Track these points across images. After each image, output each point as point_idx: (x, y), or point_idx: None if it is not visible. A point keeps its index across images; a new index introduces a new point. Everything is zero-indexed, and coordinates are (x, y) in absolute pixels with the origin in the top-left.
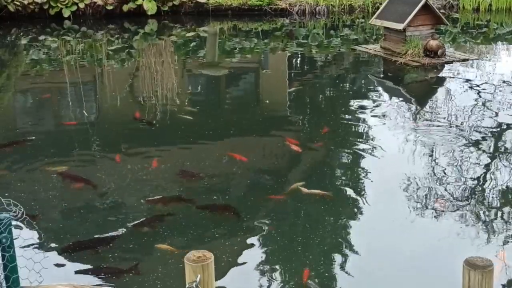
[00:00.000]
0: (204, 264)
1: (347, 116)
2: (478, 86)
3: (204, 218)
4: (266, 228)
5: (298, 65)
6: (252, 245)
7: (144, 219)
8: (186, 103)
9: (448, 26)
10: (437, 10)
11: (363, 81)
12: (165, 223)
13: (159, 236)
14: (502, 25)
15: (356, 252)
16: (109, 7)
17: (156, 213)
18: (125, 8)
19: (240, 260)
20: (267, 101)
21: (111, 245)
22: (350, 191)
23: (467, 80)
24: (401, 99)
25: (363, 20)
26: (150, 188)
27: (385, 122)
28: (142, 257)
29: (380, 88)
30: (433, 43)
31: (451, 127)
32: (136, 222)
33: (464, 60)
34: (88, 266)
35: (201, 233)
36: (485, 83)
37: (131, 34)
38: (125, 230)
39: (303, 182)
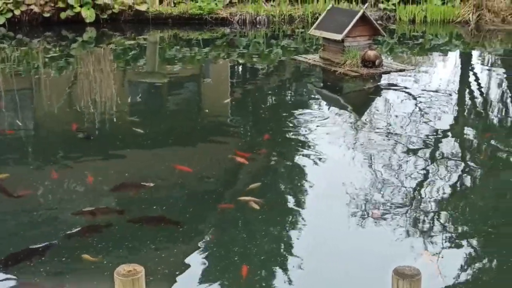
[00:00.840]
0: (134, 278)
1: (288, 124)
2: (414, 95)
3: (141, 230)
4: (206, 238)
5: (240, 74)
6: (189, 257)
7: (77, 230)
8: (126, 112)
9: (385, 37)
10: (375, 22)
11: (303, 90)
12: (100, 235)
13: (93, 248)
14: (437, 36)
15: (294, 260)
16: (46, 15)
17: (91, 225)
18: (63, 15)
19: (176, 271)
20: (207, 110)
21: (43, 258)
22: (290, 198)
23: (404, 90)
24: (340, 108)
25: (303, 30)
26: (86, 200)
27: (324, 130)
28: (71, 270)
29: (319, 97)
30: (371, 53)
31: (389, 135)
32: (69, 233)
33: (401, 70)
34: (19, 280)
35: (137, 245)
36: (422, 92)
37: (69, 42)
38: (58, 242)
39: (245, 190)
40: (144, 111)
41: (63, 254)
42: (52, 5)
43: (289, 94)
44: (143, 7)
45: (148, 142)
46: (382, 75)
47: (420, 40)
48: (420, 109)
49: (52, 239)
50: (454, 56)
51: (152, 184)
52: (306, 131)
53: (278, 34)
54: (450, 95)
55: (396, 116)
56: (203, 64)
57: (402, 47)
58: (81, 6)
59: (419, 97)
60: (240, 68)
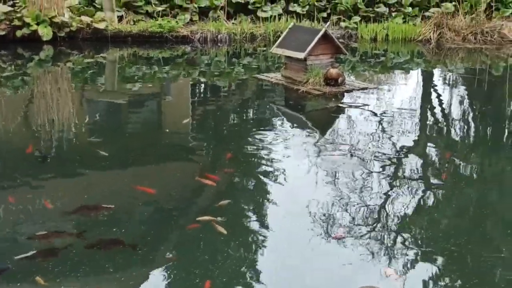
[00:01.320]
0: None
1: (251, 144)
2: (377, 113)
3: (98, 253)
4: (166, 260)
5: (201, 92)
6: (148, 280)
7: (33, 253)
8: (84, 132)
9: (347, 55)
10: (337, 40)
11: (265, 109)
12: (56, 258)
13: (49, 272)
14: (398, 54)
15: (257, 281)
16: (1, 33)
17: (47, 248)
18: (19, 33)
19: None
20: (167, 130)
21: None
22: (254, 219)
23: (367, 108)
24: (303, 127)
25: (264, 49)
26: (43, 223)
27: (287, 150)
28: None
29: (282, 116)
30: (333, 71)
31: (352, 153)
32: (24, 257)
33: (363, 88)
34: None
35: (94, 269)
36: (384, 110)
37: (25, 60)
38: (12, 266)
39: (208, 209)
40: (103, 130)
41: (17, 278)
42: (8, 23)
43: (251, 113)
44: (101, 25)
45: (108, 162)
46: (345, 93)
47: (382, 58)
48: (382, 127)
49: (6, 263)
50: (415, 74)
51: (112, 206)
52: (269, 150)
53: (239, 52)
54: (413, 113)
55: (359, 135)
56: (164, 83)
57: (364, 65)
58: (37, 24)
59: (382, 115)
60: (202, 86)
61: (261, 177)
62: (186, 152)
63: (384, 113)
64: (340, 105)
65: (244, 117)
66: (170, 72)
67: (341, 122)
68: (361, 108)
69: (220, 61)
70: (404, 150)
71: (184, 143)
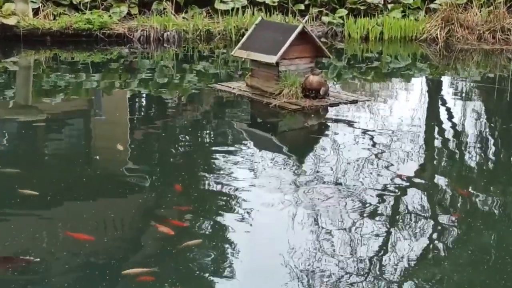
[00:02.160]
0: None
1: (207, 175)
2: (371, 134)
3: None
4: None
5: (143, 108)
6: None
7: None
8: None
9: (331, 59)
10: (318, 39)
11: (226, 130)
12: None
13: None
14: (396, 58)
15: None
16: None
17: None
18: None
19: None
20: (97, 157)
21: None
22: (215, 272)
23: (357, 127)
24: (275, 152)
25: (224, 51)
26: None
27: (255, 182)
28: None
29: (247, 139)
30: (314, 79)
31: (338, 185)
32: None
33: (352, 101)
34: None
35: None
36: (380, 130)
37: None
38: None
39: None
40: (18, 158)
41: None
42: None
43: (208, 135)
44: (11, 21)
45: (29, 201)
46: (329, 108)
47: (376, 63)
48: (378, 153)
49: None
50: (419, 83)
51: (36, 259)
52: (231, 183)
53: (192, 55)
54: (416, 133)
55: (348, 162)
56: (94, 96)
57: (353, 71)
58: None
59: (377, 136)
60: (143, 100)
61: (221, 218)
62: (125, 187)
63: (380, 133)
64: (324, 122)
65: (199, 140)
66: (102, 82)
67: (324, 146)
68: (350, 127)
69: (167, 67)
70: (405, 181)
71: (122, 175)
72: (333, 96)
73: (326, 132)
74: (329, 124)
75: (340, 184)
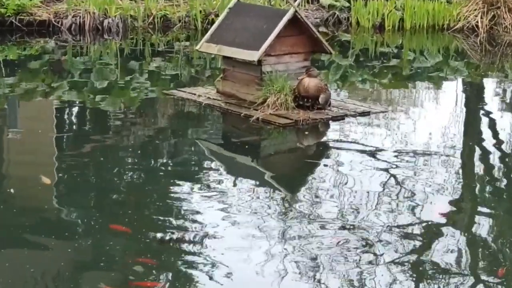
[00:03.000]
0: None
1: (163, 215)
2: (387, 160)
3: None
4: None
5: (74, 122)
6: None
7: None
8: None
9: (333, 55)
10: (314, 29)
11: (189, 153)
12: None
13: None
14: (422, 54)
15: None
16: None
17: None
18: None
19: None
20: (13, 191)
21: None
22: None
23: (369, 148)
24: (257, 184)
25: (187, 44)
26: None
27: (230, 224)
28: None
29: (219, 165)
30: (310, 84)
31: (343, 230)
32: None
33: (363, 113)
34: None
35: None
36: (399, 154)
37: None
38: None
39: None
40: None
41: None
42: None
43: (164, 160)
44: None
45: None
46: (331, 122)
47: (394, 61)
48: (396, 186)
49: None
50: (453, 89)
51: None
52: (196, 227)
53: (143, 50)
54: (449, 158)
55: (357, 198)
56: (6, 105)
57: (363, 72)
58: None
59: (396, 162)
60: (75, 112)
61: (183, 277)
62: (51, 232)
63: (400, 157)
64: (324, 142)
65: (152, 168)
66: (18, 87)
67: (324, 175)
68: (360, 148)
69: (109, 67)
70: (434, 226)
71: (46, 216)
72: (336, 106)
73: (327, 156)
74: (330, 144)
75: (346, 228)
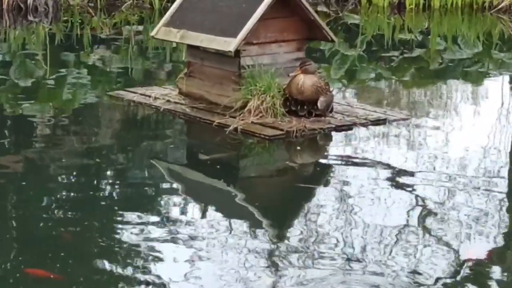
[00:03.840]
0: None
1: (105, 253)
2: (408, 183)
3: None
4: None
5: None
6: None
7: None
8: None
9: (336, 43)
10: (311, 10)
11: (141, 175)
12: None
13: None
14: (455, 41)
15: None
16: None
17: None
18: None
19: None
20: None
21: None
22: None
23: (384, 171)
24: (234, 217)
25: (140, 29)
26: None
27: (197, 275)
28: None
29: (182, 192)
30: (307, 82)
31: (349, 276)
32: None
33: (376, 122)
34: None
35: None
36: (426, 177)
37: None
38: None
39: None
40: None
41: None
42: None
43: (108, 185)
44: None
45: None
46: (333, 133)
47: (418, 51)
48: (420, 220)
49: None
50: (497, 89)
51: None
52: (151, 275)
53: (80, 37)
54: (492, 181)
55: (363, 235)
56: None
57: (376, 67)
58: None
59: (420, 185)
60: None
61: None
62: None
63: (426, 183)
64: (323, 161)
65: (92, 195)
66: None
67: (324, 204)
68: (372, 168)
69: (34, 57)
70: (471, 271)
71: None
72: (340, 112)
73: (327, 180)
74: (332, 163)
75: (351, 275)
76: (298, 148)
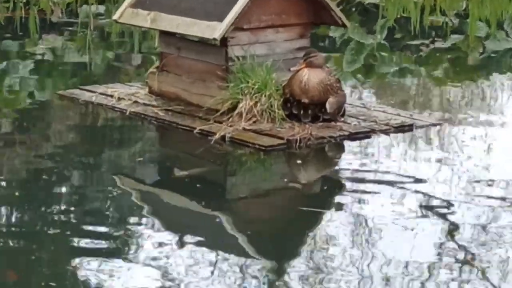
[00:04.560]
0: None
1: None
2: (441, 206)
3: None
4: None
5: None
6: None
7: None
8: None
9: (348, 29)
10: None
11: (102, 195)
12: None
13: None
14: (500, 27)
15: None
16: None
17: None
18: None
19: None
20: None
21: None
22: None
23: (410, 190)
24: (220, 248)
25: (102, 10)
26: None
27: None
28: None
29: (153, 216)
30: (312, 79)
31: None
32: None
33: (400, 127)
34: None
35: None
36: (462, 198)
37: None
38: None
39: None
40: None
41: None
42: None
43: (60, 207)
44: None
45: None
46: (346, 142)
47: (454, 38)
48: (457, 252)
49: None
50: None
51: None
52: None
53: (25, 20)
54: None
55: (383, 271)
56: None
57: (400, 59)
58: None
59: (459, 215)
60: None
61: None
62: None
63: (464, 205)
64: (334, 177)
65: (39, 220)
66: None
67: (334, 233)
68: (397, 188)
69: None
70: None
71: None
72: (355, 115)
73: (339, 201)
74: (344, 181)
75: None
76: (299, 161)
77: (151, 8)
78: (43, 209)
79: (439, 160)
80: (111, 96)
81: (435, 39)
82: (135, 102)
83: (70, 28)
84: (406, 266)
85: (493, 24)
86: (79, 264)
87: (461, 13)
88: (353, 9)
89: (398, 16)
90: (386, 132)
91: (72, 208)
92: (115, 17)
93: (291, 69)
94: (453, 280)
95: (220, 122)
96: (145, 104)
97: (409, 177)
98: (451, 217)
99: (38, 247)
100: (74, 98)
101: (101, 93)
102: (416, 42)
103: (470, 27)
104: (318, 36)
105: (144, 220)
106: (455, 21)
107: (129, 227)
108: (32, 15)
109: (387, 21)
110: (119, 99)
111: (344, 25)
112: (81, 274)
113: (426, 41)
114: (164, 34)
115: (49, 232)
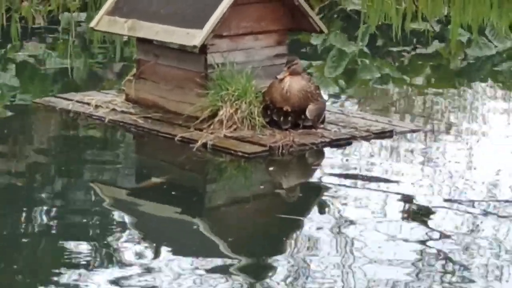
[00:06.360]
0: None
1: None
2: (424, 216)
3: None
4: None
5: None
6: None
7: None
8: None
9: (327, 35)
10: None
11: (79, 205)
12: None
13: None
14: (482, 33)
15: None
16: None
17: None
18: None
19: None
20: None
21: None
22: None
23: (393, 198)
24: (198, 258)
25: (83, 17)
26: None
27: None
28: None
29: (131, 226)
30: (293, 86)
31: None
32: None
33: (381, 134)
34: None
35: None
36: (446, 207)
37: None
38: None
39: None
40: None
41: None
42: None
43: (31, 220)
44: None
45: None
46: (326, 149)
47: (435, 46)
48: (439, 263)
49: None
50: None
51: None
52: None
53: (7, 28)
54: None
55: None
56: None
57: (382, 65)
58: None
59: (440, 219)
60: None
61: None
62: None
63: (448, 214)
64: (315, 185)
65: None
66: None
67: (318, 243)
68: (381, 196)
69: None
70: None
71: None
72: (335, 122)
73: (321, 209)
74: (325, 187)
75: None
76: (271, 168)
77: (129, 15)
78: (15, 219)
79: (419, 165)
80: (88, 104)
81: (417, 45)
82: (113, 109)
83: (52, 35)
84: (388, 271)
85: (475, 30)
86: (55, 276)
87: (442, 19)
88: (335, 15)
89: (380, 22)
90: (366, 139)
91: (47, 218)
92: (91, 24)
93: (278, 77)
94: (432, 281)
95: (201, 130)
96: (123, 112)
97: (390, 182)
98: (432, 222)
99: (14, 261)
100: (50, 106)
101: (77, 101)
102: (398, 49)
103: (452, 33)
104: (300, 42)
105: (119, 228)
106: (437, 27)
107: (106, 236)
108: (14, 22)
109: (369, 27)
110: (97, 106)
111: (321, 31)
112: (58, 286)
113: (408, 48)
114: (142, 41)
115: (22, 240)
